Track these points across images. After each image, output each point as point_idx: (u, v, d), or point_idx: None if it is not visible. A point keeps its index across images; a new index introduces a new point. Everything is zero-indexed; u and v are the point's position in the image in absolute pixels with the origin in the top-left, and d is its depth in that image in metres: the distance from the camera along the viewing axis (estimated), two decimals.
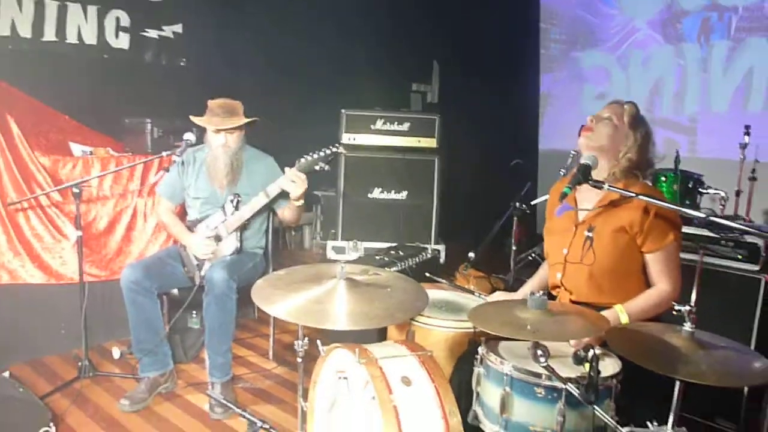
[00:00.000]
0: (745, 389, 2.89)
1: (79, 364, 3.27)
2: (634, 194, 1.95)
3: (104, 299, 3.70)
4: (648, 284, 2.14)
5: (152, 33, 4.83)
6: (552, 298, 2.30)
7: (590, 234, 2.12)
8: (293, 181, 3.00)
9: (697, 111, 5.62)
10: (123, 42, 4.63)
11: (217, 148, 3.17)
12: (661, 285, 2.09)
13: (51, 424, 2.67)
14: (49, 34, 4.19)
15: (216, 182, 3.21)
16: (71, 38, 4.31)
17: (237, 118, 3.16)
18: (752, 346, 2.80)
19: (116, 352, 3.56)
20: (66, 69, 4.24)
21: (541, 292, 1.74)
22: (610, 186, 1.94)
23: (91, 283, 3.50)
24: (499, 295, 2.37)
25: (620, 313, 2.00)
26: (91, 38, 4.43)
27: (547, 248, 2.36)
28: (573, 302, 2.20)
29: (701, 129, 5.59)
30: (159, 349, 3.13)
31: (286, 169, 3.06)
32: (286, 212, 3.26)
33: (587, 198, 2.21)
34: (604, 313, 1.94)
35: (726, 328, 1.98)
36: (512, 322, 1.66)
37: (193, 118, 3.19)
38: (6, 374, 3.04)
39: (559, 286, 2.27)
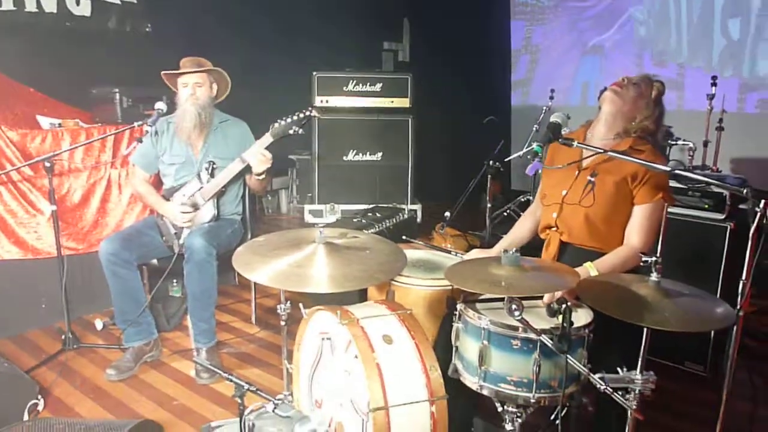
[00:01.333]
0: (712, 334, 3.02)
1: (63, 337, 3.29)
2: (602, 151, 2.01)
3: (83, 272, 3.70)
4: None
5: None
6: (534, 250, 2.37)
7: (592, 179, 2.19)
8: (258, 158, 3.04)
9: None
10: (85, 9, 4.49)
11: (186, 102, 3.18)
12: (633, 241, 2.16)
13: (39, 396, 2.72)
14: (7, 4, 4.04)
15: (185, 137, 3.21)
16: (30, 6, 4.17)
17: (203, 68, 3.20)
18: (718, 293, 2.92)
19: (99, 324, 3.58)
20: (27, 39, 4.10)
21: (515, 248, 1.80)
22: (579, 143, 1.99)
23: (69, 256, 3.49)
24: (476, 253, 2.43)
25: (590, 269, 2.07)
26: (51, 6, 4.28)
27: (545, 189, 2.41)
28: (564, 243, 2.28)
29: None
30: (142, 318, 3.16)
31: (257, 142, 3.08)
32: (252, 181, 3.29)
33: (597, 141, 2.26)
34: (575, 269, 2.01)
35: (694, 276, 2.07)
36: (487, 279, 1.72)
37: (164, 73, 3.20)
38: None
39: (551, 227, 2.32)
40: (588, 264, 2.10)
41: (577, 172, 2.28)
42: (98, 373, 3.09)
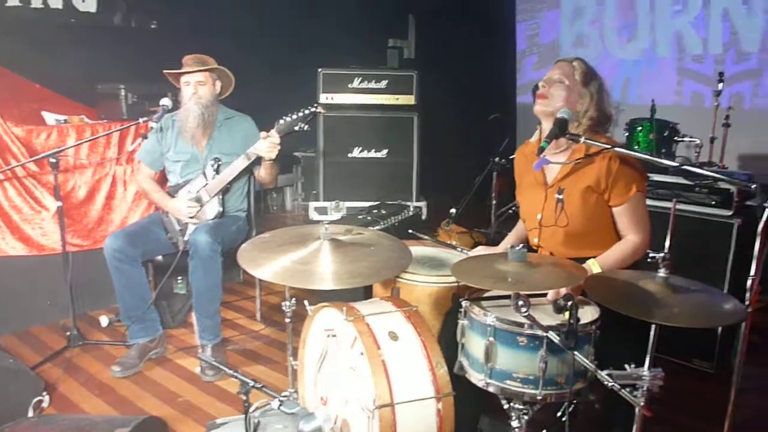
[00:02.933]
0: (719, 331, 3.01)
1: (68, 333, 3.29)
2: (609, 146, 1.99)
3: (89, 268, 3.68)
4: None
5: None
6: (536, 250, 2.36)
7: (560, 196, 2.16)
8: (267, 146, 3.03)
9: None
10: (90, 5, 4.50)
11: (189, 101, 3.17)
12: (630, 236, 2.14)
13: (44, 392, 2.72)
14: (13, 0, 4.05)
15: (189, 136, 3.20)
16: (36, 2, 4.17)
17: (206, 66, 3.18)
18: (725, 289, 2.90)
19: (104, 320, 3.58)
20: (33, 35, 4.10)
21: (521, 245, 1.79)
22: (587, 139, 1.98)
23: (75, 252, 3.49)
24: (481, 249, 2.42)
25: (593, 266, 2.06)
26: (56, 2, 4.29)
27: (522, 213, 2.40)
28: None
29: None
30: (147, 315, 3.16)
31: (262, 133, 3.07)
32: (261, 172, 3.26)
33: (554, 158, 2.22)
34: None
35: (702, 273, 2.04)
36: (494, 275, 1.71)
37: (166, 72, 3.19)
38: None
39: (539, 247, 2.32)
40: (591, 261, 2.08)
41: (544, 193, 2.25)
42: (103, 369, 3.10)
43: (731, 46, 5.22)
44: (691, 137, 3.84)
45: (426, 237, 2.84)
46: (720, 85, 4.06)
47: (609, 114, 2.20)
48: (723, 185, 2.95)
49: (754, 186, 1.72)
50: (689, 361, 3.09)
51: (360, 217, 3.49)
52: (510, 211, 5.00)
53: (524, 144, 2.46)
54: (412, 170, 5.03)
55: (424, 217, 4.91)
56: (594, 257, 2.11)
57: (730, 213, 2.94)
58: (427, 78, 5.11)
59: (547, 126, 2.19)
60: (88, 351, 3.30)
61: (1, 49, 3.73)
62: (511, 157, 4.36)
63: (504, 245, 2.43)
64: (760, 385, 2.89)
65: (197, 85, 3.17)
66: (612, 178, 2.10)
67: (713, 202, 2.99)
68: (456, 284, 2.32)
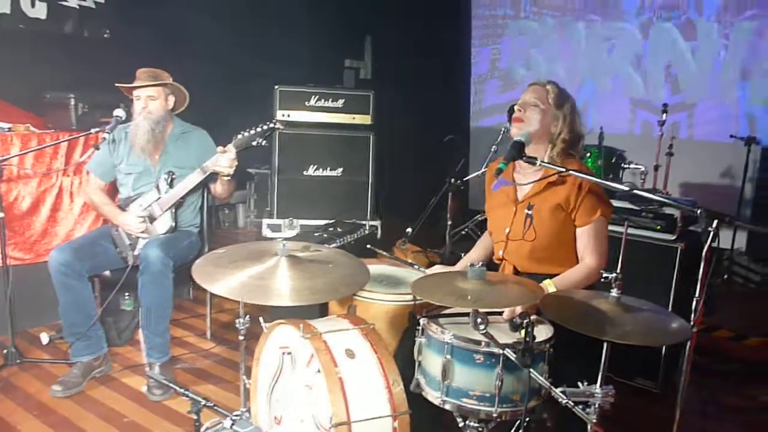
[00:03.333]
0: (663, 350, 3.11)
1: (5, 351, 3.13)
2: (564, 169, 2.05)
3: (29, 283, 3.52)
4: None
5: (72, 2, 4.58)
6: (495, 268, 2.40)
7: (530, 212, 2.23)
8: (225, 164, 2.99)
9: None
10: (40, 11, 4.37)
11: (138, 116, 3.12)
12: (588, 260, 2.20)
13: None
14: None
15: (140, 150, 3.13)
16: None
17: (158, 81, 3.13)
18: (669, 308, 3.01)
19: (45, 338, 3.42)
20: None
21: (480, 263, 1.82)
22: (542, 162, 2.03)
23: (15, 266, 3.34)
24: (438, 268, 2.44)
25: (549, 286, 2.11)
26: (4, 6, 4.15)
27: (491, 227, 2.45)
28: (516, 272, 2.31)
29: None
30: (92, 332, 3.05)
31: (219, 147, 3.04)
32: (218, 187, 3.22)
33: (525, 177, 2.29)
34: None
35: (647, 293, 2.11)
36: (454, 293, 1.73)
37: (118, 84, 3.14)
38: None
39: (503, 260, 2.36)
40: (547, 281, 2.13)
41: (514, 208, 2.32)
42: (43, 389, 2.96)
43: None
44: (636, 164, 3.99)
45: (384, 253, 2.85)
46: (664, 116, 4.25)
47: (581, 134, 2.28)
48: (667, 210, 3.08)
49: (699, 210, 1.79)
50: (632, 380, 3.18)
51: (316, 234, 3.49)
52: (463, 233, 5.08)
53: (496, 160, 2.51)
54: (367, 189, 5.05)
55: (378, 236, 4.93)
56: (554, 275, 2.16)
57: (673, 237, 3.06)
58: (382, 98, 5.17)
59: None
60: (26, 369, 3.15)
61: None
62: (465, 179, 4.45)
63: (462, 264, 2.46)
64: (703, 406, 2.99)
65: (148, 99, 3.13)
66: (580, 198, 2.17)
67: (658, 227, 3.11)
68: (413, 302, 2.33)
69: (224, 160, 2.98)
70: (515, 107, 2.28)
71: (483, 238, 2.63)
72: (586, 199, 2.18)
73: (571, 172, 2.02)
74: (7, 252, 3.18)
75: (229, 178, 3.09)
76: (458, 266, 2.46)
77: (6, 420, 2.70)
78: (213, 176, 3.16)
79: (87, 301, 3.04)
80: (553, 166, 2.08)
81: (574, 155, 2.26)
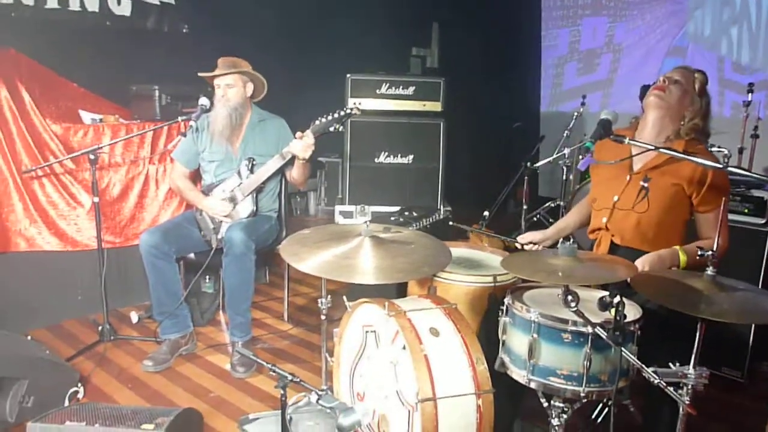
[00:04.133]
0: (750, 340, 2.99)
1: (100, 328, 3.33)
2: (653, 147, 2.00)
3: (119, 265, 3.76)
4: (683, 240, 2.21)
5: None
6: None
7: (646, 184, 2.19)
8: (301, 146, 3.09)
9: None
10: (125, 9, 4.58)
11: (218, 103, 3.23)
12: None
13: (79, 384, 2.76)
14: (52, 2, 4.13)
15: (218, 137, 3.24)
16: (74, 5, 4.26)
17: (235, 69, 3.22)
18: None
19: (134, 317, 3.63)
20: (70, 37, 4.19)
21: (571, 239, 1.80)
22: (630, 140, 1.99)
23: (107, 249, 3.54)
24: (530, 235, 2.45)
25: (680, 252, 2.07)
26: (93, 5, 4.37)
27: (595, 194, 2.41)
28: (614, 244, 2.28)
29: None
30: (179, 311, 3.20)
31: (297, 133, 3.12)
32: (294, 172, 3.31)
33: (635, 154, 2.26)
34: (662, 251, 2.06)
35: (735, 278, 2.05)
36: (544, 269, 1.73)
37: (200, 74, 3.25)
38: (29, 338, 3.10)
39: (600, 229, 2.33)
40: (678, 247, 2.10)
41: (628, 177, 2.27)
42: (135, 364, 3.13)
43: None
44: (719, 147, 3.83)
45: (470, 228, 2.87)
46: (749, 96, 4.07)
47: (709, 132, 2.28)
48: (757, 193, 2.96)
49: None
50: (719, 370, 3.08)
51: (392, 218, 3.52)
52: (535, 219, 5.02)
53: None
54: (438, 176, 5.04)
55: (451, 223, 4.93)
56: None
57: (763, 221, 2.94)
58: (450, 86, 5.15)
59: (652, 118, 2.23)
60: (119, 346, 3.34)
61: (40, 48, 3.80)
62: (536, 165, 4.40)
63: (563, 221, 2.51)
64: None
65: (226, 87, 3.23)
66: (706, 185, 2.13)
67: (746, 210, 2.99)
68: (493, 284, 2.33)
69: (301, 145, 3.06)
70: (661, 78, 2.25)
71: (580, 204, 2.60)
72: (712, 185, 2.13)
73: (662, 151, 1.96)
74: (101, 236, 3.37)
75: (304, 162, 3.17)
76: (551, 230, 2.50)
77: (103, 390, 2.87)
78: (290, 163, 3.25)
79: (174, 281, 3.19)
80: (642, 144, 2.03)
81: (700, 141, 2.22)
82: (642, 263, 2.01)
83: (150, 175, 3.82)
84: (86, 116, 3.73)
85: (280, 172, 3.35)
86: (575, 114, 5.00)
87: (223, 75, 3.23)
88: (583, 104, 5.15)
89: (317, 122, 3.07)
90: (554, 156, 4.41)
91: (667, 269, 2.04)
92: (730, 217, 3.01)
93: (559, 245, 1.80)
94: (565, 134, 4.98)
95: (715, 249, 1.72)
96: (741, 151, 4.21)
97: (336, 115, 3.05)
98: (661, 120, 2.22)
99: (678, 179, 2.16)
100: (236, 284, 3.07)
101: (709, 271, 1.69)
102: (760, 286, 2.90)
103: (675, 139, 2.20)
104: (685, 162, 2.11)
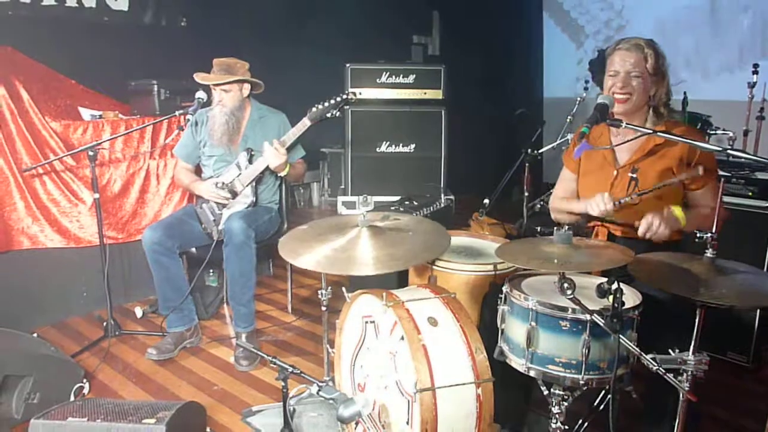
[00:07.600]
0: (756, 324, 2.96)
1: (105, 324, 3.34)
2: (651, 131, 1.97)
3: (122, 261, 3.77)
4: None
5: None
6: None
7: (634, 175, 2.16)
8: (272, 152, 3.09)
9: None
10: (122, 3, 4.57)
11: (215, 106, 3.22)
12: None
13: (84, 380, 2.78)
14: None
15: (216, 137, 3.23)
16: (70, 2, 4.26)
17: (230, 76, 3.17)
18: None
19: (139, 312, 3.64)
20: (67, 33, 4.19)
21: (567, 227, 1.78)
22: (628, 124, 1.96)
23: (109, 245, 3.54)
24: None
25: (675, 210, 2.03)
26: (90, 1, 4.37)
27: (583, 191, 2.37)
28: (612, 235, 2.26)
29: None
30: (184, 305, 3.22)
31: (274, 141, 3.13)
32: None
33: (623, 141, 2.22)
34: (654, 212, 2.00)
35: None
36: (540, 256, 1.71)
37: (196, 75, 3.21)
38: (34, 336, 3.12)
39: (596, 225, 2.30)
40: (675, 207, 2.06)
41: (615, 172, 2.24)
42: (140, 359, 3.15)
43: None
44: (724, 130, 3.79)
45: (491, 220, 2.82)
46: (754, 77, 4.01)
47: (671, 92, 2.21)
48: (761, 175, 2.92)
49: None
50: (724, 355, 3.06)
51: (393, 208, 3.51)
52: (538, 206, 4.98)
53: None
54: (440, 164, 5.03)
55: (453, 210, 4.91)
56: (652, 244, 2.07)
57: (767, 204, 2.90)
58: (451, 73, 5.11)
59: (620, 112, 2.17)
60: (124, 341, 3.35)
61: (38, 46, 3.81)
62: (540, 151, 4.36)
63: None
64: None
65: (222, 92, 3.19)
66: (698, 157, 2.09)
67: (750, 193, 2.96)
68: (493, 273, 2.32)
69: (272, 153, 3.09)
70: (618, 85, 2.14)
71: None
72: (703, 160, 2.08)
73: (660, 134, 1.92)
74: (103, 232, 3.38)
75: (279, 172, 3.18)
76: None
77: (109, 385, 2.89)
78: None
79: (178, 276, 3.20)
80: (639, 128, 2.00)
81: (678, 119, 2.17)
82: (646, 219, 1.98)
83: (151, 170, 3.82)
84: (85, 113, 3.73)
85: None
86: (578, 99, 4.95)
87: (219, 84, 3.18)
88: (586, 89, 5.09)
89: (314, 108, 3.07)
90: (557, 142, 4.38)
91: (671, 226, 2.00)
92: (735, 200, 2.99)
93: (554, 232, 1.78)
94: (567, 120, 4.93)
95: (715, 226, 1.69)
96: (746, 133, 4.16)
97: (333, 101, 3.05)
98: (632, 116, 2.16)
99: (668, 163, 2.13)
100: (237, 274, 3.08)
101: (709, 253, 1.67)
102: (765, 269, 2.89)
103: (657, 121, 2.16)
104: (669, 145, 2.09)
